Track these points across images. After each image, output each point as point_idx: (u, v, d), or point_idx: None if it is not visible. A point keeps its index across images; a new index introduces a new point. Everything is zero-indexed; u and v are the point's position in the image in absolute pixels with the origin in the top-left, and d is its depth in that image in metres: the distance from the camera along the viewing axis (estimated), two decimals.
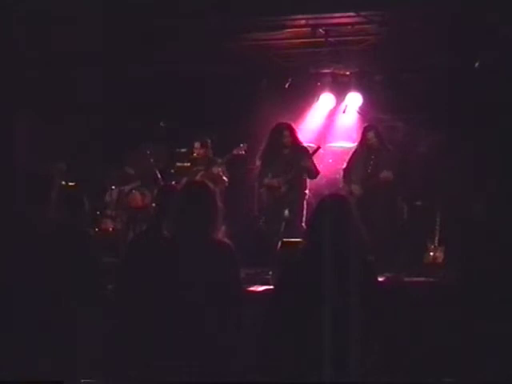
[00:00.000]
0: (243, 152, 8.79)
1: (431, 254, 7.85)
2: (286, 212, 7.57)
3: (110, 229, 8.41)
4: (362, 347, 3.53)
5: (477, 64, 8.55)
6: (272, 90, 9.72)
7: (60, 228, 4.08)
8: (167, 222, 3.96)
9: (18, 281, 3.86)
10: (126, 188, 8.63)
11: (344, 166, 8.38)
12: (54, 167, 7.97)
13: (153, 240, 4.31)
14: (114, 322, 4.33)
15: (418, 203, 8.73)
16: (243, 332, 3.77)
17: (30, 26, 7.56)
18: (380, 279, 6.28)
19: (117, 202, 8.51)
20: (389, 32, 8.08)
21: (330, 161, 9.35)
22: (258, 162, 8.13)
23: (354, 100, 9.42)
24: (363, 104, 9.45)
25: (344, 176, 8.14)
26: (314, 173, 7.85)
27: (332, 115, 9.83)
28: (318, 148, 8.22)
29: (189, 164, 9.22)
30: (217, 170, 8.75)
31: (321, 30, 8.15)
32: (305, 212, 7.59)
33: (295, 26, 8.15)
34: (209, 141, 9.19)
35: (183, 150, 9.38)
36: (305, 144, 8.37)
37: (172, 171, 8.99)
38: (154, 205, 7.45)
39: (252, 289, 6.09)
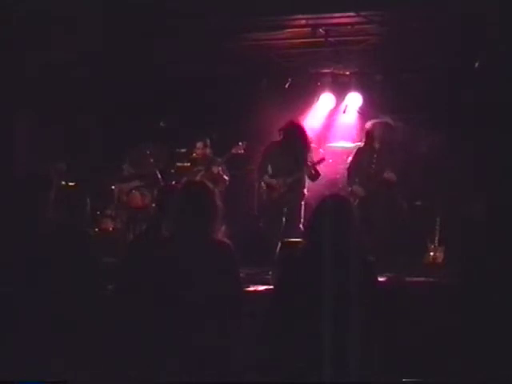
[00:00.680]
0: (242, 151, 8.79)
1: (431, 253, 7.85)
2: (285, 211, 7.58)
3: (110, 229, 8.41)
4: (362, 347, 3.53)
5: (477, 64, 8.55)
6: (272, 90, 9.72)
7: (60, 228, 4.08)
8: (167, 222, 3.96)
9: (17, 281, 3.85)
10: (126, 188, 8.63)
11: (347, 165, 8.35)
12: (54, 167, 7.98)
13: (153, 240, 4.31)
14: (115, 321, 4.33)
15: (418, 203, 8.74)
16: (243, 332, 3.77)
17: (30, 26, 7.56)
18: (380, 279, 6.29)
19: (117, 202, 8.51)
20: (389, 32, 8.08)
21: (330, 161, 9.33)
22: (259, 163, 8.08)
23: (354, 100, 9.42)
24: (363, 104, 9.45)
25: (348, 176, 8.08)
26: (313, 176, 7.84)
27: (332, 115, 9.83)
28: (323, 159, 8.15)
29: (189, 164, 9.22)
30: (217, 169, 8.75)
31: (321, 30, 8.15)
32: (303, 212, 7.58)
33: (295, 26, 8.15)
34: (209, 140, 9.19)
35: (183, 150, 9.38)
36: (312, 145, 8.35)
37: (172, 171, 8.99)
38: (153, 205, 7.48)
39: (252, 289, 6.10)
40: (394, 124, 8.17)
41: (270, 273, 6.55)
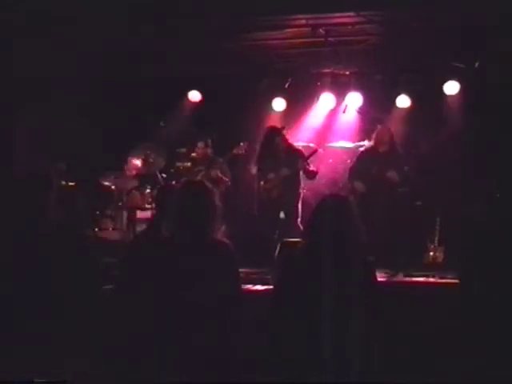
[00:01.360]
0: (243, 151, 8.79)
1: (431, 253, 7.86)
2: (282, 214, 7.59)
3: (110, 229, 8.41)
4: (362, 347, 3.53)
5: (477, 64, 8.56)
6: (272, 90, 9.72)
7: (59, 228, 4.07)
8: (167, 222, 3.96)
9: (17, 281, 3.85)
10: (126, 188, 8.62)
11: (351, 164, 8.37)
12: (54, 167, 7.98)
13: (153, 240, 4.31)
14: (115, 321, 4.33)
15: (418, 203, 8.74)
16: (243, 332, 3.77)
17: (30, 26, 7.57)
18: (380, 279, 6.29)
19: (117, 202, 8.50)
20: (389, 32, 8.08)
21: (330, 161, 9.34)
22: (254, 169, 8.14)
23: (354, 100, 9.42)
24: (363, 104, 9.45)
25: (349, 173, 8.09)
26: (310, 173, 7.84)
27: (332, 115, 9.83)
28: (316, 151, 8.22)
29: (189, 164, 9.22)
30: (217, 169, 8.75)
31: (321, 30, 8.15)
32: (300, 212, 7.60)
33: (295, 26, 8.15)
34: (209, 140, 9.19)
35: (183, 150, 9.38)
36: (302, 145, 8.38)
37: (172, 171, 8.99)
38: (153, 205, 7.48)
39: (252, 289, 6.10)
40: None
41: (270, 273, 6.55)
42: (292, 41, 8.71)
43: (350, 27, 8.02)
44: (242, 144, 8.70)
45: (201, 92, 9.77)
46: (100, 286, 4.28)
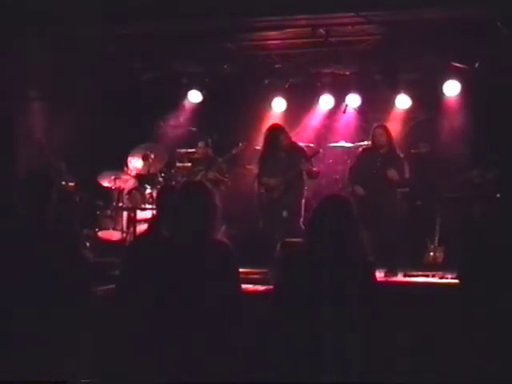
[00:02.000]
0: (243, 151, 8.80)
1: (431, 253, 7.85)
2: (285, 213, 7.54)
3: (110, 229, 8.41)
4: (362, 347, 3.53)
5: (477, 64, 8.56)
6: (272, 90, 9.72)
7: (57, 228, 4.06)
8: (167, 222, 3.96)
9: (17, 281, 3.85)
10: (127, 188, 8.62)
11: (350, 165, 8.33)
12: (54, 167, 7.98)
13: (153, 240, 4.31)
14: (116, 321, 4.33)
15: (418, 203, 8.73)
16: (242, 332, 3.77)
17: (30, 26, 7.58)
18: (380, 279, 6.29)
19: (117, 202, 8.50)
20: (389, 32, 8.08)
21: (330, 161, 9.34)
22: (255, 168, 8.10)
23: (354, 100, 9.42)
24: (363, 104, 9.45)
25: (349, 175, 8.03)
26: (312, 174, 7.82)
27: (332, 115, 9.84)
28: (318, 152, 8.20)
29: (189, 164, 9.22)
30: (217, 169, 8.75)
31: (321, 30, 8.15)
32: (303, 212, 7.56)
33: (295, 26, 8.16)
34: (209, 140, 9.19)
35: (183, 150, 9.38)
36: (303, 145, 8.36)
37: (172, 171, 8.99)
38: (154, 205, 7.48)
39: (252, 289, 6.10)
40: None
41: (270, 273, 6.55)
42: (292, 41, 8.71)
43: (349, 27, 8.03)
44: (241, 144, 8.71)
45: (201, 92, 9.77)
46: (92, 286, 4.25)
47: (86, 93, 8.96)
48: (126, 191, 8.56)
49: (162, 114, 9.63)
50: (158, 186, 8.29)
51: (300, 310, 3.60)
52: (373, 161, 7.58)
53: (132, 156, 8.67)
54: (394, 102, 9.22)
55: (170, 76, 9.77)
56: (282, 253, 6.60)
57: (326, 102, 9.57)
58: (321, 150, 8.63)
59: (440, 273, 6.99)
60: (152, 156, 8.57)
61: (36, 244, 3.90)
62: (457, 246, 6.98)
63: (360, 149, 8.32)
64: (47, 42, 8.05)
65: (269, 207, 7.79)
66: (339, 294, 3.53)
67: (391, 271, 7.10)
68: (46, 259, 3.86)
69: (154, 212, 7.94)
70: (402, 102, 9.17)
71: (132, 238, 7.62)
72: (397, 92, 9.13)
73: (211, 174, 8.56)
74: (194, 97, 9.82)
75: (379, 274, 6.68)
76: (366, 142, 8.41)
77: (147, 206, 8.25)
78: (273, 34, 8.37)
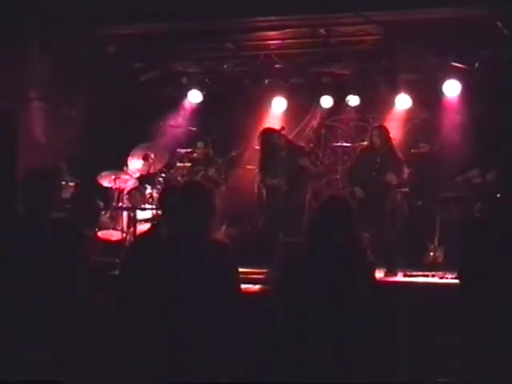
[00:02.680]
0: (242, 151, 8.80)
1: (431, 253, 7.86)
2: (288, 212, 7.54)
3: (110, 229, 8.40)
4: (362, 347, 3.53)
5: (477, 64, 8.56)
6: (272, 90, 9.73)
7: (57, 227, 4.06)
8: (167, 222, 3.96)
9: (16, 280, 3.85)
10: (127, 188, 8.62)
11: (347, 165, 8.31)
12: (54, 167, 7.97)
13: (153, 240, 4.31)
14: (115, 321, 4.33)
15: (418, 203, 8.74)
16: (242, 332, 3.77)
17: (30, 26, 7.58)
18: (380, 279, 6.29)
19: (117, 202, 8.50)
20: (388, 32, 8.08)
21: (331, 161, 9.35)
22: (256, 169, 8.09)
23: (354, 100, 9.42)
24: (363, 104, 9.46)
25: (347, 176, 8.00)
26: (312, 170, 7.81)
27: (332, 115, 9.84)
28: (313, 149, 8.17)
29: (189, 164, 9.23)
30: (217, 169, 8.75)
31: (321, 30, 8.16)
32: (306, 212, 7.54)
33: (295, 26, 8.15)
34: (209, 140, 9.19)
35: (183, 150, 9.38)
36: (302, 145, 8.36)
37: (172, 171, 8.99)
38: (156, 206, 7.49)
39: (252, 289, 6.10)
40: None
41: (270, 273, 6.54)
42: (292, 41, 8.71)
43: (349, 27, 8.03)
44: (240, 147, 8.72)
45: (201, 92, 9.77)
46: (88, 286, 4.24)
47: (86, 93, 8.97)
48: (125, 191, 8.56)
49: (161, 114, 9.63)
50: (158, 186, 8.30)
51: (300, 309, 3.60)
52: (371, 162, 7.51)
53: (132, 156, 8.66)
54: (393, 102, 9.23)
55: (170, 76, 9.77)
56: (282, 253, 6.61)
57: (325, 101, 9.58)
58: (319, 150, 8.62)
59: (440, 273, 6.98)
60: (152, 156, 8.56)
61: (36, 244, 3.89)
62: (457, 246, 6.97)
63: (358, 148, 8.30)
64: (47, 42, 8.05)
65: (271, 207, 7.78)
66: (339, 294, 3.54)
67: (391, 271, 7.09)
68: (46, 259, 3.86)
69: (155, 212, 8.00)
70: (402, 101, 9.18)
71: (132, 238, 7.62)
72: (397, 92, 9.14)
73: (211, 174, 8.56)
74: (194, 97, 9.82)
75: (379, 274, 6.68)
76: (365, 142, 8.41)
77: (147, 206, 8.24)
78: (273, 33, 8.37)
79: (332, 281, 3.54)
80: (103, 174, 8.49)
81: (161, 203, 4.98)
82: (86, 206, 8.22)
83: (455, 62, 8.63)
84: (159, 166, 8.72)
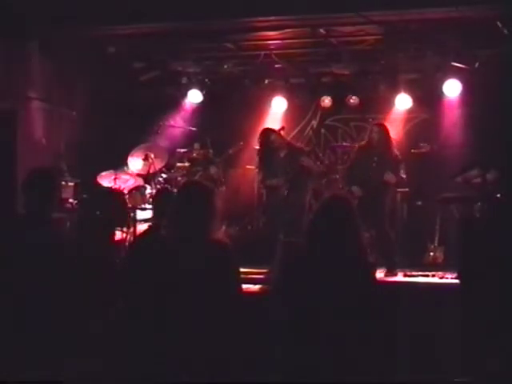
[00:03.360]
0: (241, 151, 8.80)
1: (431, 253, 7.86)
2: (289, 212, 7.53)
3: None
4: (362, 347, 3.53)
5: (477, 64, 8.56)
6: (272, 90, 9.73)
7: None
8: (166, 223, 3.96)
9: (16, 281, 3.86)
10: (126, 188, 8.61)
11: (347, 164, 8.29)
12: (54, 167, 7.97)
13: (153, 240, 4.31)
14: (115, 321, 4.34)
15: (419, 203, 8.74)
16: (242, 332, 3.77)
17: (30, 26, 7.58)
18: (380, 279, 6.30)
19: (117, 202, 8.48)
20: (389, 32, 8.08)
21: (331, 161, 9.35)
22: (256, 170, 8.09)
23: (353, 100, 9.42)
24: (363, 104, 9.46)
25: (346, 176, 7.98)
26: (315, 169, 7.81)
27: (332, 115, 9.84)
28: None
29: (188, 164, 9.22)
30: (216, 169, 8.75)
31: (321, 30, 8.16)
32: (306, 212, 7.53)
33: (295, 26, 8.15)
34: (208, 140, 9.19)
35: (183, 150, 9.39)
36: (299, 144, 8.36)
37: (172, 171, 8.99)
38: (153, 205, 7.47)
39: (252, 289, 6.10)
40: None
41: (270, 273, 6.54)
42: (292, 41, 8.71)
43: (349, 27, 8.03)
44: (240, 144, 8.71)
45: (201, 92, 9.77)
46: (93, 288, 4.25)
47: (86, 93, 8.97)
48: (126, 191, 8.55)
49: (161, 113, 9.63)
50: (158, 186, 8.29)
51: (300, 309, 3.60)
52: (368, 160, 7.46)
53: (132, 156, 8.66)
54: (394, 102, 9.23)
55: (170, 76, 9.77)
56: (282, 253, 6.60)
57: (325, 101, 9.59)
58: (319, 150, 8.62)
59: (440, 273, 6.98)
60: (152, 156, 8.56)
61: (36, 244, 3.90)
62: (457, 246, 6.98)
63: (356, 147, 8.24)
64: (47, 42, 8.06)
65: (271, 206, 7.78)
66: (339, 294, 3.54)
67: (391, 271, 7.09)
68: (46, 259, 3.87)
69: (152, 213, 7.98)
70: (402, 101, 9.18)
71: (132, 238, 7.61)
72: (397, 92, 9.14)
73: (213, 173, 8.56)
74: (194, 97, 9.82)
75: (379, 274, 6.69)
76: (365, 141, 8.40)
77: (147, 206, 8.24)
78: (273, 33, 8.37)
79: (332, 281, 3.54)
80: (103, 173, 8.48)
81: (160, 203, 4.99)
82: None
83: (455, 61, 8.63)
84: (159, 166, 8.71)
